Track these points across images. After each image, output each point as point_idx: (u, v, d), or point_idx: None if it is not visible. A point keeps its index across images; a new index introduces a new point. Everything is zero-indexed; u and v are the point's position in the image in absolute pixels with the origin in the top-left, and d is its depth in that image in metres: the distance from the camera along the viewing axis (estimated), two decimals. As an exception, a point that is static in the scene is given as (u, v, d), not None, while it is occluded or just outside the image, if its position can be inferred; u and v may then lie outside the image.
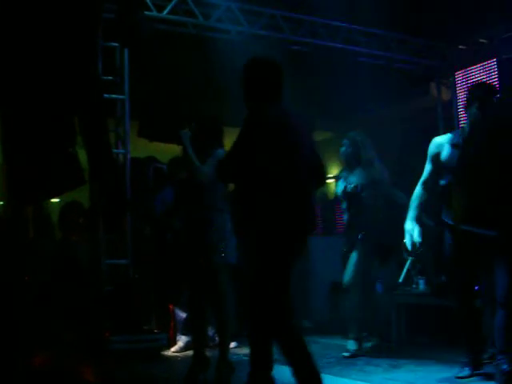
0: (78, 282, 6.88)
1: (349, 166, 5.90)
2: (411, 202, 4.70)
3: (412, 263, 6.93)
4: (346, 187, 5.78)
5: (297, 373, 3.35)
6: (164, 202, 6.42)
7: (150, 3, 6.38)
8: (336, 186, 6.12)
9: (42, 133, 4.01)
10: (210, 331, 6.11)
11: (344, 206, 5.85)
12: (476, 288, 4.61)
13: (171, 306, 6.39)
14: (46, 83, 3.70)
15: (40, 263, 6.59)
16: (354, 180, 5.74)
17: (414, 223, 4.63)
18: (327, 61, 7.38)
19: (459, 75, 8.08)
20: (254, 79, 3.69)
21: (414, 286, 6.70)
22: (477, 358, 4.48)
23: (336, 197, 6.09)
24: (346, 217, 5.87)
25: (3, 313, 3.32)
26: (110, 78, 6.31)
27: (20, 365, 3.37)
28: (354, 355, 5.48)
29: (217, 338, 5.02)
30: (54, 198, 8.69)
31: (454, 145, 4.42)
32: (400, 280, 6.68)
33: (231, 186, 4.43)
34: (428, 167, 4.64)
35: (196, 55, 7.14)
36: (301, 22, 7.24)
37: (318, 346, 5.81)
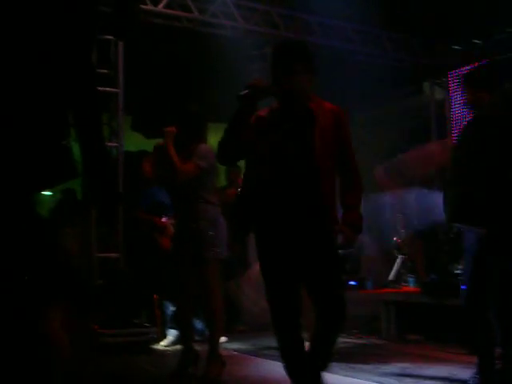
0: (68, 275, 6.87)
1: None
2: None
3: (402, 261, 6.99)
4: None
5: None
6: (150, 198, 6.36)
7: (145, -3, 6.39)
8: None
9: (34, 125, 3.99)
10: (199, 324, 6.11)
11: None
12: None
13: (156, 298, 6.36)
14: (38, 75, 3.67)
15: (34, 255, 6.60)
16: None
17: None
18: (321, 59, 7.37)
19: (453, 75, 8.14)
20: None
21: (403, 283, 6.73)
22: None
23: None
24: None
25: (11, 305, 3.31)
26: (105, 71, 6.30)
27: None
28: None
29: (207, 332, 5.01)
30: (45, 190, 8.71)
31: None
32: (390, 277, 6.71)
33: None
34: None
35: (192, 49, 7.14)
36: (296, 20, 7.25)
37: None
